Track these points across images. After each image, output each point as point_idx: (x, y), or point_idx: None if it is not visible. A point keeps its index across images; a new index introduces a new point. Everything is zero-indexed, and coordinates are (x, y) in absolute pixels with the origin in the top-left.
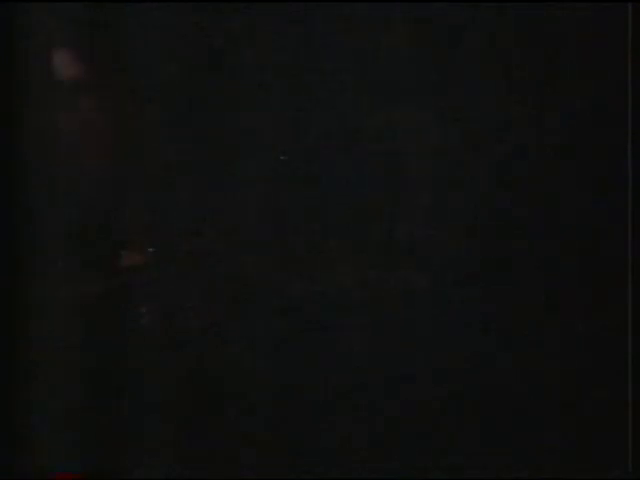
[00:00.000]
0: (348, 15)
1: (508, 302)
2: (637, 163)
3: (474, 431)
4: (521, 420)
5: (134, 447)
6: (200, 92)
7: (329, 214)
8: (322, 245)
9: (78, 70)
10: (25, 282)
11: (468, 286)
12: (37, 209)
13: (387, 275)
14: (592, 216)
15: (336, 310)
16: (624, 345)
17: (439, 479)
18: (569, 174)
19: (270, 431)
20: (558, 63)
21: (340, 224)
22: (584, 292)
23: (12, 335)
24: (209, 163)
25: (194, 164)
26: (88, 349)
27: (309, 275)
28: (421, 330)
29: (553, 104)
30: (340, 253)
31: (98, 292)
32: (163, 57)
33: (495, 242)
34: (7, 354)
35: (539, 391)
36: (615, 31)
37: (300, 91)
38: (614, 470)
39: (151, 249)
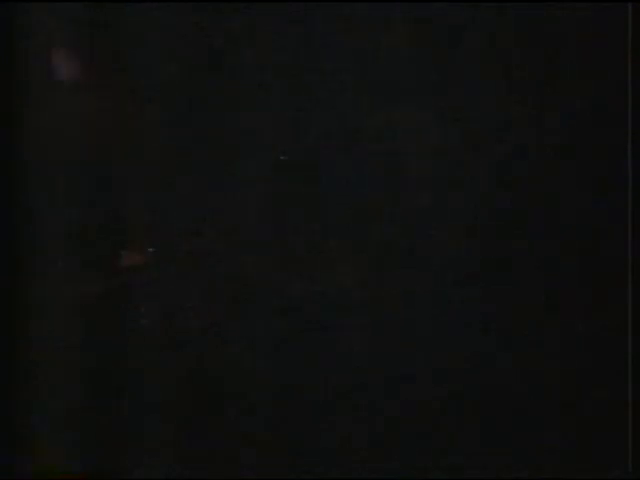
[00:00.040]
0: (348, 15)
1: (508, 302)
2: (637, 163)
3: (474, 431)
4: (521, 420)
5: (134, 447)
6: (200, 92)
7: (329, 214)
8: (322, 245)
9: (78, 70)
10: (25, 282)
11: (468, 286)
12: (37, 209)
13: (387, 275)
14: (592, 216)
15: (336, 310)
16: (624, 345)
17: (439, 479)
18: (569, 174)
19: (270, 431)
20: (558, 63)
21: (340, 224)
22: (584, 292)
23: (12, 335)
24: (209, 163)
25: (194, 164)
26: (88, 349)
27: (309, 275)
28: (421, 330)
29: (553, 104)
30: (340, 253)
31: (98, 292)
32: (163, 57)
33: (495, 242)
34: (7, 354)
35: (539, 391)
36: (615, 31)
37: (300, 91)
38: (614, 470)
39: (151, 249)
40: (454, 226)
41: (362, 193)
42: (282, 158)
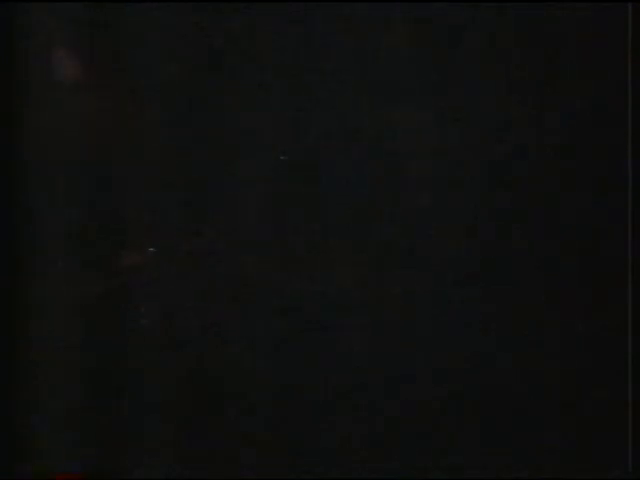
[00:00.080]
0: (348, 15)
1: (508, 302)
2: (637, 163)
3: (474, 431)
4: (521, 420)
5: (134, 447)
6: (200, 92)
7: (329, 214)
8: (322, 245)
9: (78, 70)
10: (25, 282)
11: (468, 286)
12: (37, 209)
13: (387, 275)
14: (592, 216)
15: (336, 310)
16: (624, 345)
17: (439, 479)
18: (569, 174)
19: (270, 431)
20: (558, 63)
21: (340, 224)
22: (584, 292)
23: (12, 335)
24: (209, 163)
25: (194, 164)
26: (88, 349)
27: (309, 275)
28: (421, 330)
29: (553, 104)
30: (340, 253)
31: (98, 292)
32: (163, 57)
33: (495, 242)
34: (7, 354)
35: (539, 391)
36: (615, 31)
37: (300, 91)
38: (614, 470)
39: (151, 249)
40: (454, 226)
41: (362, 193)
42: (282, 158)
